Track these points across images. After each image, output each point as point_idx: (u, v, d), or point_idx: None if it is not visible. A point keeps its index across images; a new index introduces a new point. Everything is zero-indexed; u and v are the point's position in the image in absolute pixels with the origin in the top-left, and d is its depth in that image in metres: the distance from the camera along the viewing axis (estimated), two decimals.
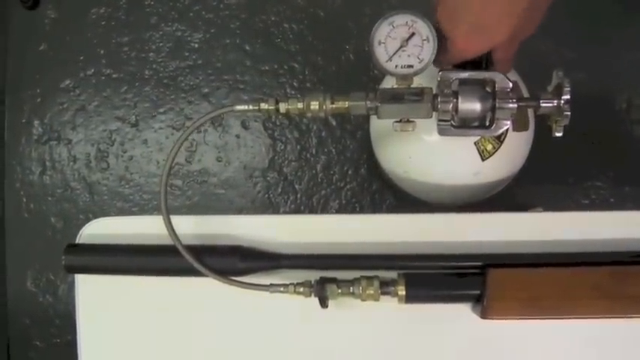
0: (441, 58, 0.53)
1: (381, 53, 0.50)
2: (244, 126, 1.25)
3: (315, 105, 0.51)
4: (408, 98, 0.51)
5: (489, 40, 0.51)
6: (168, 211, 0.53)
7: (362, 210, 1.21)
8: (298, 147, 1.24)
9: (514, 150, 0.68)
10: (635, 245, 0.54)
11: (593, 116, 1.14)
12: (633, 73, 1.17)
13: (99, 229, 0.59)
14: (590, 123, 1.12)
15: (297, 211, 1.23)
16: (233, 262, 0.54)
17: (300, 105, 0.51)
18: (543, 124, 0.55)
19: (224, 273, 0.53)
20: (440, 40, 0.51)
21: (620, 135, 1.18)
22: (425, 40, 0.50)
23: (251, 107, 0.51)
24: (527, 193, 1.10)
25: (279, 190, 1.24)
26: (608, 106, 1.18)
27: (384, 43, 0.50)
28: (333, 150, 1.23)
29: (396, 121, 0.53)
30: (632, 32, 1.17)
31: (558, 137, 0.53)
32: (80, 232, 0.59)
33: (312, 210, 1.22)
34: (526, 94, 0.67)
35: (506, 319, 0.52)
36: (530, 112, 0.66)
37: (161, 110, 1.28)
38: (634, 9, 1.16)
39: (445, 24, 0.50)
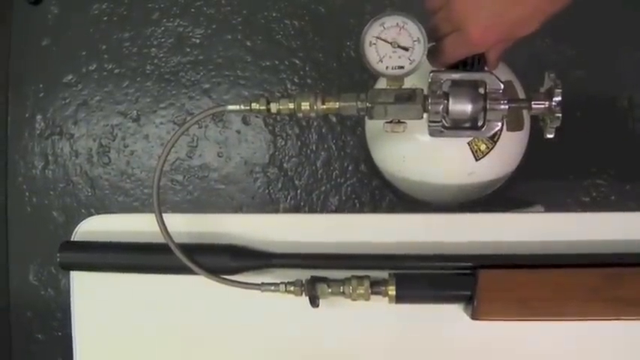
0: (439, 59, 0.53)
1: (371, 54, 0.50)
2: (245, 122, 1.26)
3: (305, 105, 0.51)
4: (399, 99, 0.51)
5: (509, 34, 0.50)
6: (160, 210, 0.53)
7: (362, 206, 1.21)
8: (299, 143, 1.24)
9: (508, 150, 0.67)
10: (631, 247, 0.54)
11: (594, 114, 1.14)
12: (635, 71, 1.16)
13: (94, 227, 0.60)
14: (591, 121, 1.11)
15: (296, 206, 1.23)
16: (225, 260, 0.54)
17: (291, 105, 0.51)
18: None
19: (216, 271, 0.54)
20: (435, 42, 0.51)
21: (621, 133, 1.18)
22: (416, 41, 0.50)
23: (242, 107, 0.52)
24: (528, 192, 1.10)
25: (280, 185, 1.24)
26: (610, 104, 1.17)
27: (374, 44, 0.50)
28: (334, 146, 1.23)
29: (387, 122, 0.53)
30: (632, 31, 1.16)
31: (558, 136, 0.53)
32: (76, 229, 0.60)
33: (311, 206, 1.23)
34: (523, 94, 0.67)
35: (497, 320, 0.52)
36: (526, 112, 0.66)
37: (162, 105, 1.28)
38: (634, 8, 1.15)
39: (463, 13, 0.49)
